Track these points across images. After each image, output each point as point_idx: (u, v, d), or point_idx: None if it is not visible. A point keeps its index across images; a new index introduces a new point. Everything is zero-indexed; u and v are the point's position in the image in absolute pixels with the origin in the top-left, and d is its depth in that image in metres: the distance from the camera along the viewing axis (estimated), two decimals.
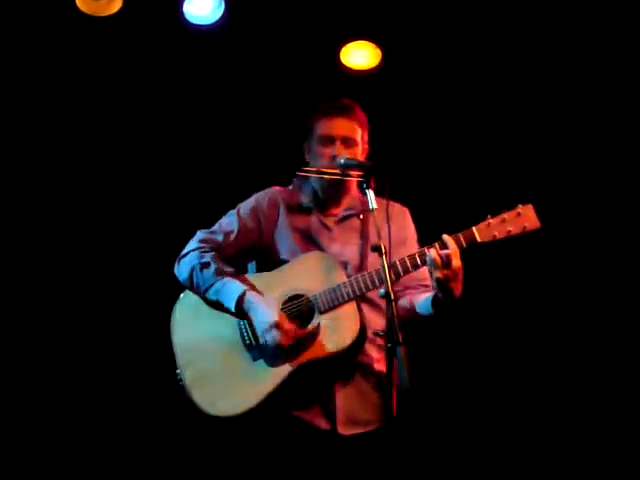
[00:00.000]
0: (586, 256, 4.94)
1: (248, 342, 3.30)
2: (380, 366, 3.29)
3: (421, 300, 3.28)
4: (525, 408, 4.92)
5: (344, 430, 3.26)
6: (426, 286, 3.32)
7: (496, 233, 3.10)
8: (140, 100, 4.99)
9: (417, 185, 4.80)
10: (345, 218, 3.48)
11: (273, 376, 3.22)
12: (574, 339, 4.93)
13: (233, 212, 3.50)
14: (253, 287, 3.30)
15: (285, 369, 3.21)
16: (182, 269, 3.40)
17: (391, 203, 3.20)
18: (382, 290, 2.88)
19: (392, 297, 2.84)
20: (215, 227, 3.47)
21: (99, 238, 5.01)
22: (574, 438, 4.86)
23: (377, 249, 2.94)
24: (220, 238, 3.43)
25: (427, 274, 3.16)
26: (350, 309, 3.22)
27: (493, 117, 5.06)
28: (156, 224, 4.98)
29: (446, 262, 3.04)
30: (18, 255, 4.92)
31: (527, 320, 4.97)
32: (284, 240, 3.43)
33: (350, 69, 5.03)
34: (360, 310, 3.23)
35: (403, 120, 5.06)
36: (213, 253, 3.38)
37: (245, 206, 3.50)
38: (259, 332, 3.22)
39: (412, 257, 3.16)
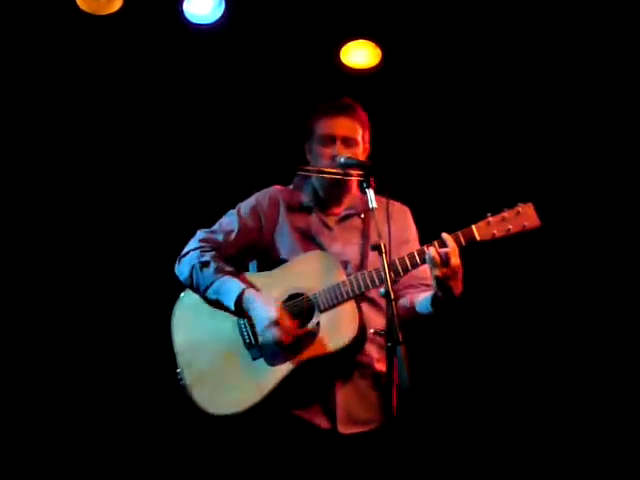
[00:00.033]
0: (586, 254, 4.94)
1: (248, 341, 3.30)
2: (380, 365, 3.29)
3: (421, 299, 3.28)
4: (525, 407, 4.92)
5: (344, 429, 3.26)
6: (427, 285, 3.31)
7: (495, 232, 3.10)
8: (140, 99, 4.99)
9: (417, 183, 4.80)
10: (346, 217, 3.48)
11: (273, 375, 3.22)
12: (574, 337, 4.93)
13: (233, 211, 3.50)
14: (253, 286, 3.31)
15: (285, 368, 3.21)
16: (182, 268, 3.41)
17: (391, 202, 3.20)
18: (382, 289, 2.87)
19: (392, 296, 2.84)
20: (215, 226, 3.48)
21: (100, 238, 5.01)
22: (574, 436, 4.86)
23: (377, 248, 2.94)
24: (220, 237, 3.43)
25: (428, 273, 3.15)
26: (350, 308, 3.22)
27: (493, 116, 5.06)
28: (157, 224, 4.98)
29: (445, 260, 3.04)
30: (18, 255, 4.92)
31: (527, 319, 4.97)
32: (284, 239, 3.43)
33: (350, 68, 5.04)
34: (360, 309, 3.23)
35: (403, 119, 5.06)
36: (213, 252, 3.38)
37: (245, 205, 3.50)
38: (259, 329, 3.23)
39: (411, 256, 3.16)
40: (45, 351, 4.88)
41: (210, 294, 3.33)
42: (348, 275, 3.26)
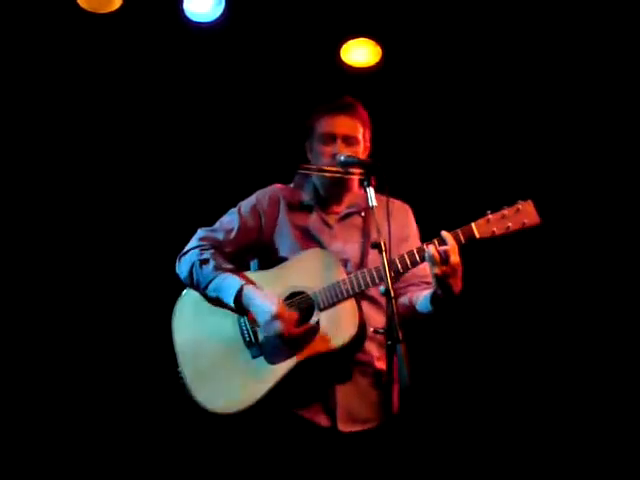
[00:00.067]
0: (586, 252, 4.94)
1: (248, 339, 3.30)
2: (380, 364, 3.29)
3: (421, 297, 3.28)
4: (525, 405, 4.92)
5: (344, 427, 3.26)
6: (427, 283, 3.31)
7: (495, 229, 3.10)
8: (140, 98, 4.99)
9: (417, 181, 4.80)
10: (347, 216, 3.48)
11: (273, 373, 3.22)
12: (574, 335, 4.92)
13: (234, 210, 3.50)
14: (253, 283, 3.30)
15: (284, 366, 3.21)
16: (182, 267, 3.41)
17: (391, 200, 3.20)
18: (382, 287, 2.87)
19: (392, 294, 2.84)
20: (216, 225, 3.48)
21: (101, 237, 5.01)
22: (574, 435, 4.86)
23: (377, 246, 2.94)
24: (220, 236, 3.44)
25: (428, 271, 3.14)
26: (350, 306, 3.22)
27: (493, 114, 5.06)
28: (158, 223, 4.98)
29: (444, 258, 3.04)
30: (20, 253, 4.92)
31: (527, 317, 4.97)
32: (285, 238, 3.43)
33: (350, 66, 5.03)
34: (360, 307, 3.23)
35: (403, 117, 5.06)
36: (213, 250, 3.39)
37: (246, 204, 3.50)
38: (261, 322, 3.22)
39: (411, 254, 3.16)
40: (46, 350, 4.88)
41: (210, 291, 3.33)
42: (348, 273, 3.26)
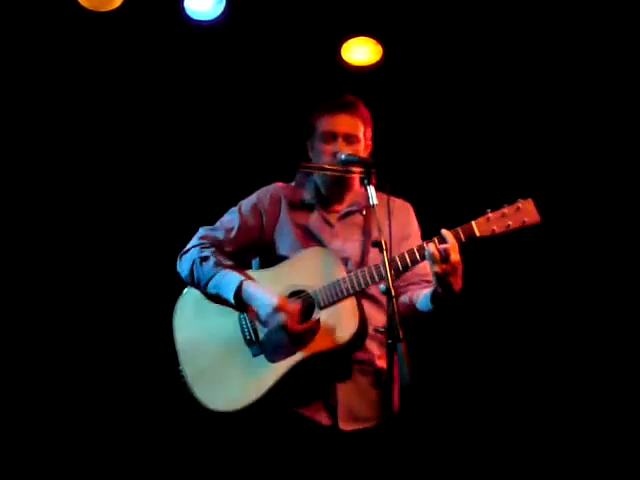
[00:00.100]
0: (586, 250, 4.94)
1: (249, 338, 3.31)
2: (381, 362, 3.29)
3: (421, 296, 3.28)
4: (525, 404, 4.92)
5: (345, 426, 3.26)
6: (428, 281, 3.30)
7: (495, 227, 3.10)
8: (141, 96, 4.99)
9: (418, 180, 4.80)
10: (347, 214, 3.48)
11: (273, 371, 3.22)
12: (574, 334, 4.92)
13: (235, 209, 3.51)
14: (253, 280, 3.31)
15: (285, 364, 3.21)
16: (183, 265, 3.42)
17: (392, 199, 3.21)
18: (383, 286, 2.87)
19: (392, 293, 2.84)
20: (217, 224, 3.49)
21: (102, 236, 5.01)
22: (574, 434, 4.85)
23: (377, 244, 2.94)
24: (221, 235, 3.44)
25: (429, 269, 3.13)
26: (350, 305, 3.22)
27: (493, 112, 5.06)
28: (159, 222, 4.98)
29: (444, 257, 3.03)
30: (22, 252, 4.93)
31: (527, 315, 4.97)
32: (285, 236, 3.43)
33: (351, 65, 5.03)
34: (360, 306, 3.23)
35: (404, 116, 5.06)
36: (213, 248, 3.39)
37: (247, 203, 3.50)
38: (263, 316, 3.21)
39: (411, 252, 3.15)
40: (47, 348, 4.88)
41: (210, 288, 3.33)
42: (348, 272, 3.26)
